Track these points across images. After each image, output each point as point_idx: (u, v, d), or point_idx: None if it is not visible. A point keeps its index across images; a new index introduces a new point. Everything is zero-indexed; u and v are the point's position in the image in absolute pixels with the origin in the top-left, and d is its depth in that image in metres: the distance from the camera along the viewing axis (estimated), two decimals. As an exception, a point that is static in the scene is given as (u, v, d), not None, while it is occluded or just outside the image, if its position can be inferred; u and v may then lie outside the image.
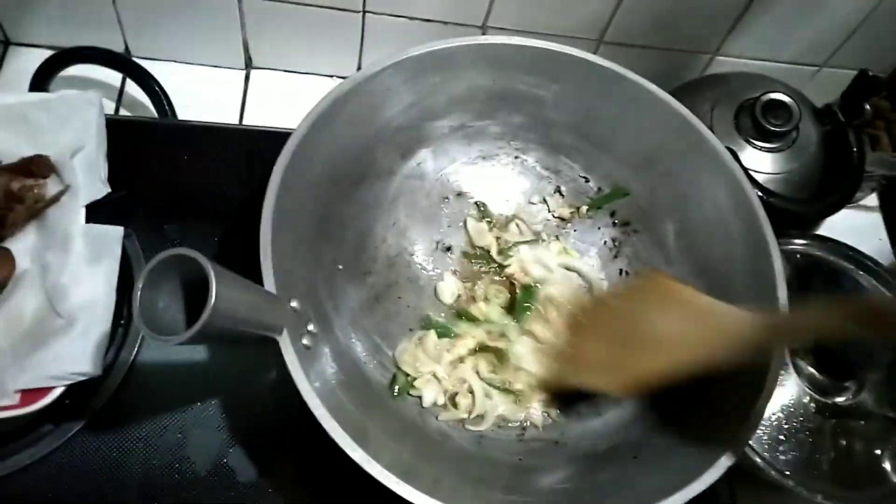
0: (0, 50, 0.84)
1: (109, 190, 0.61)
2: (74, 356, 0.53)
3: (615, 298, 0.65)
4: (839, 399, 0.71)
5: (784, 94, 0.77)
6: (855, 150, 0.80)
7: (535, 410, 0.63)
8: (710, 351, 0.53)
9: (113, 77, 0.83)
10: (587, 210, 0.72)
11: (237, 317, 0.44)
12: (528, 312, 0.67)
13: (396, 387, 0.62)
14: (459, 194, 0.71)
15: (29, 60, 0.78)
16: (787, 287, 0.59)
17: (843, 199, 0.79)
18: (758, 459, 0.67)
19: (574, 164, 0.72)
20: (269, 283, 0.50)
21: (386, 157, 0.66)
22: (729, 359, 0.52)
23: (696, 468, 0.52)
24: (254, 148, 0.73)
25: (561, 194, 0.72)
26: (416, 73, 0.63)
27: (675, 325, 0.55)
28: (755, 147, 0.79)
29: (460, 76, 0.65)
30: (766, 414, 0.68)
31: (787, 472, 0.67)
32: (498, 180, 0.72)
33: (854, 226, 0.89)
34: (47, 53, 0.76)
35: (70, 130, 0.62)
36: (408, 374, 0.62)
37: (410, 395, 0.62)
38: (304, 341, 0.52)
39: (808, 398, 0.71)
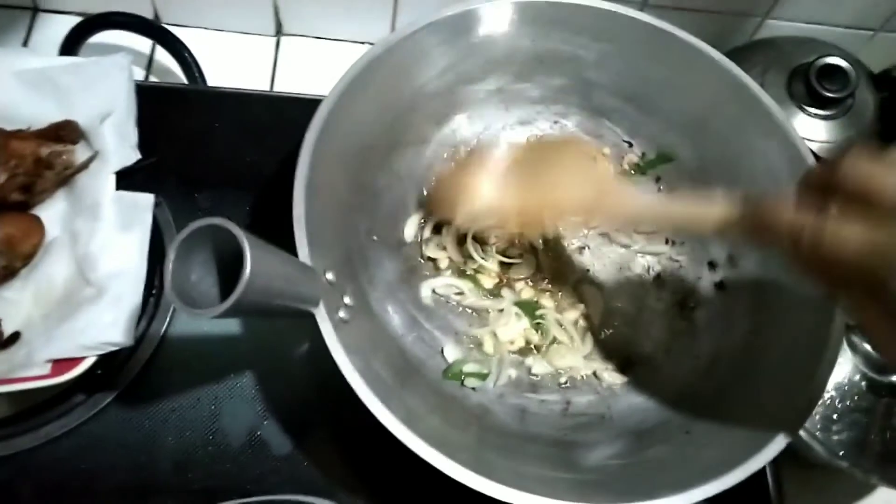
0: (28, 17, 0.82)
1: (140, 157, 0.60)
2: (105, 325, 0.52)
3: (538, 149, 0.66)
4: (894, 377, 0.68)
5: (840, 58, 0.73)
6: (914, 118, 0.76)
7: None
8: (592, 206, 0.57)
9: (142, 44, 0.82)
10: (631, 176, 0.69)
11: (272, 289, 0.42)
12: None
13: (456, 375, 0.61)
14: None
15: (58, 27, 0.77)
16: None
17: (901, 168, 0.75)
18: (810, 440, 0.64)
19: (617, 129, 0.69)
20: (304, 254, 0.49)
21: (420, 124, 0.64)
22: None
23: (751, 445, 0.49)
24: (284, 115, 0.71)
25: (603, 155, 0.69)
26: (451, 35, 0.60)
27: (574, 178, 0.58)
28: (808, 114, 0.76)
29: (498, 37, 0.62)
30: (818, 392, 0.66)
31: (841, 453, 0.64)
32: (537, 147, 0.69)
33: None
34: (76, 20, 0.75)
35: (99, 95, 0.61)
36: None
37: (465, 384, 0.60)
38: (341, 314, 0.50)
39: (861, 376, 0.68)
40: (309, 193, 0.51)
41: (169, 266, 0.39)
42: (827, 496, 0.77)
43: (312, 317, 0.47)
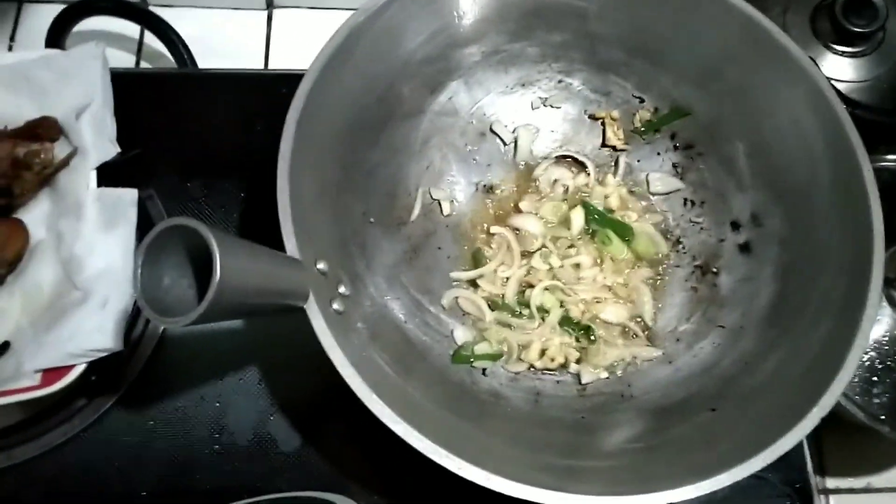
0: (14, 8, 0.80)
1: (119, 150, 0.57)
2: (93, 331, 0.50)
3: None
4: (940, 331, 0.63)
5: (867, -12, 0.68)
6: (952, 46, 0.70)
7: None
8: None
9: (132, 29, 0.79)
10: (643, 134, 0.64)
11: (251, 288, 0.39)
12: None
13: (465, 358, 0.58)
14: (498, 129, 0.65)
15: (44, 17, 0.75)
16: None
17: (939, 104, 0.70)
18: (848, 404, 0.60)
19: (626, 84, 0.64)
20: (291, 245, 0.46)
21: (413, 93, 0.60)
22: None
23: (781, 421, 0.46)
24: (279, 93, 0.67)
25: (612, 119, 0.65)
26: (438, -5, 0.56)
27: None
28: (836, 52, 0.71)
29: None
30: (856, 352, 0.62)
31: (882, 417, 0.60)
32: (541, 109, 0.65)
33: (953, 134, 0.79)
34: (61, 8, 0.72)
35: (75, 88, 0.58)
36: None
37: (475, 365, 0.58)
38: (335, 306, 0.48)
39: (902, 332, 0.63)
40: (294, 178, 0.48)
41: (137, 273, 0.37)
42: (870, 456, 0.74)
43: (304, 311, 0.45)
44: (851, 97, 0.68)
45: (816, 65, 0.58)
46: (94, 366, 0.52)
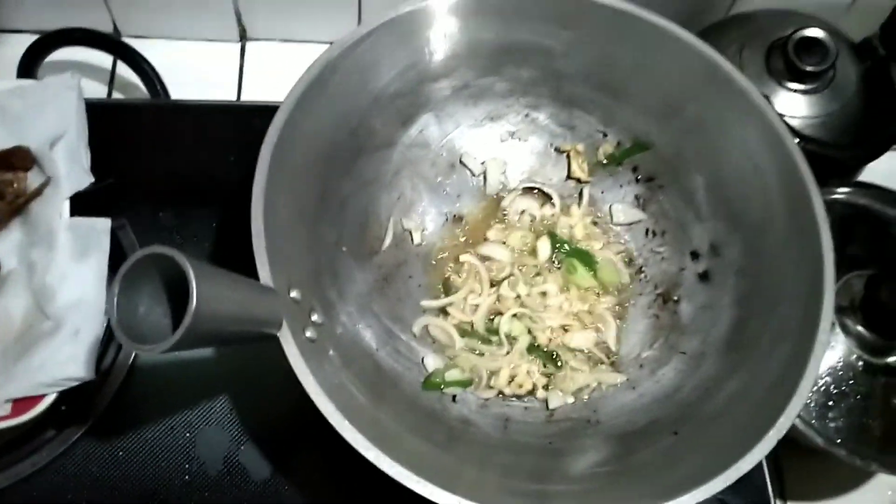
0: (-14, 38, 0.80)
1: (93, 179, 0.58)
2: (64, 361, 0.50)
3: None
4: (890, 359, 0.66)
5: (818, 29, 0.71)
6: (899, 86, 0.73)
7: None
8: None
9: (104, 60, 0.80)
10: (607, 167, 0.67)
11: (226, 316, 0.40)
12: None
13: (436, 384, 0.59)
14: (468, 160, 0.67)
15: (16, 47, 0.75)
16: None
17: (887, 141, 0.73)
18: (806, 428, 0.62)
19: (590, 118, 0.66)
20: (265, 273, 0.46)
21: (385, 126, 0.61)
22: None
23: (741, 443, 0.47)
24: (251, 125, 0.68)
25: (577, 152, 0.67)
26: (409, 32, 0.58)
27: None
28: (788, 90, 0.73)
29: (460, 31, 0.60)
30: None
31: (838, 440, 0.62)
32: (508, 141, 0.68)
33: (900, 170, 0.82)
34: (34, 38, 0.72)
35: (49, 118, 0.59)
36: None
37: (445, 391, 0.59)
38: (308, 334, 0.49)
39: (856, 358, 0.66)
40: (268, 208, 0.49)
41: (114, 301, 0.38)
42: (828, 480, 0.76)
43: (277, 339, 0.45)
44: (804, 133, 0.71)
45: (770, 102, 0.60)
46: (63, 396, 0.52)
